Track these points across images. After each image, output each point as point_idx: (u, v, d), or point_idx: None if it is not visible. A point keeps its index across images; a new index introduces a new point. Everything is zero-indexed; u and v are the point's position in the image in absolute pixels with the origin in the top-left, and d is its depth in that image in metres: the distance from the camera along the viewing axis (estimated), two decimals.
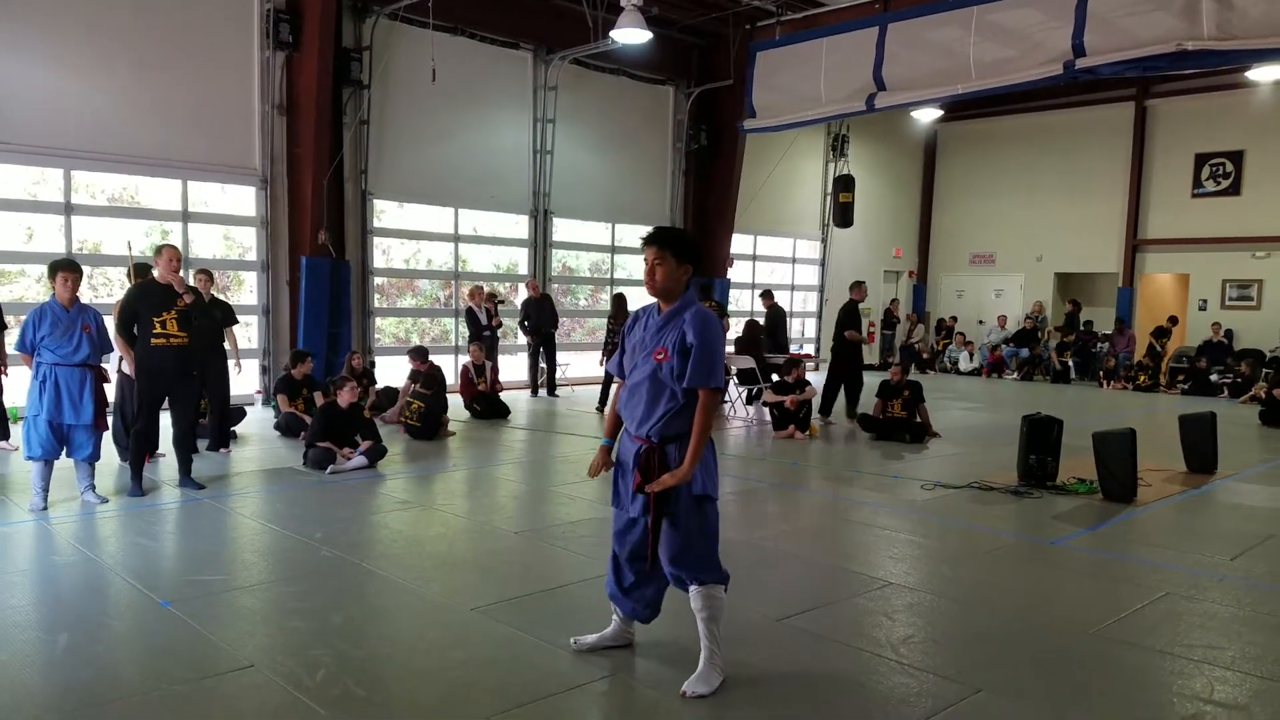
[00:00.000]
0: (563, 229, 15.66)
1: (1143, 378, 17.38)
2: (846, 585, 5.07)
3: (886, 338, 21.43)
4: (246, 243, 12.45)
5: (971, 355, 20.13)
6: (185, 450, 7.15)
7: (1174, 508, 7.35)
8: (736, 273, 18.05)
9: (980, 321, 21.29)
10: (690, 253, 3.67)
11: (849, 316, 11.81)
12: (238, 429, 9.50)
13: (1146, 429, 11.05)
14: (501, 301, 13.58)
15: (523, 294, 13.79)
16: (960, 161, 21.89)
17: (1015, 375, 19.28)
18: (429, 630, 4.27)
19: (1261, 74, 15.29)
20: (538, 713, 3.41)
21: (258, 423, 10.18)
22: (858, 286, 12.14)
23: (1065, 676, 3.89)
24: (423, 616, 4.47)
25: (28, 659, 3.83)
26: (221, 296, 10.15)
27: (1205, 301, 18.66)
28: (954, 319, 21.52)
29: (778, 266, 19.55)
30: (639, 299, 16.08)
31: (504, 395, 11.96)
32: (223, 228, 12.35)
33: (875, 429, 10.41)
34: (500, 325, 13.28)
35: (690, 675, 3.61)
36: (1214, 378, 16.61)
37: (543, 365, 13.94)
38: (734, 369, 12.72)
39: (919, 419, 10.35)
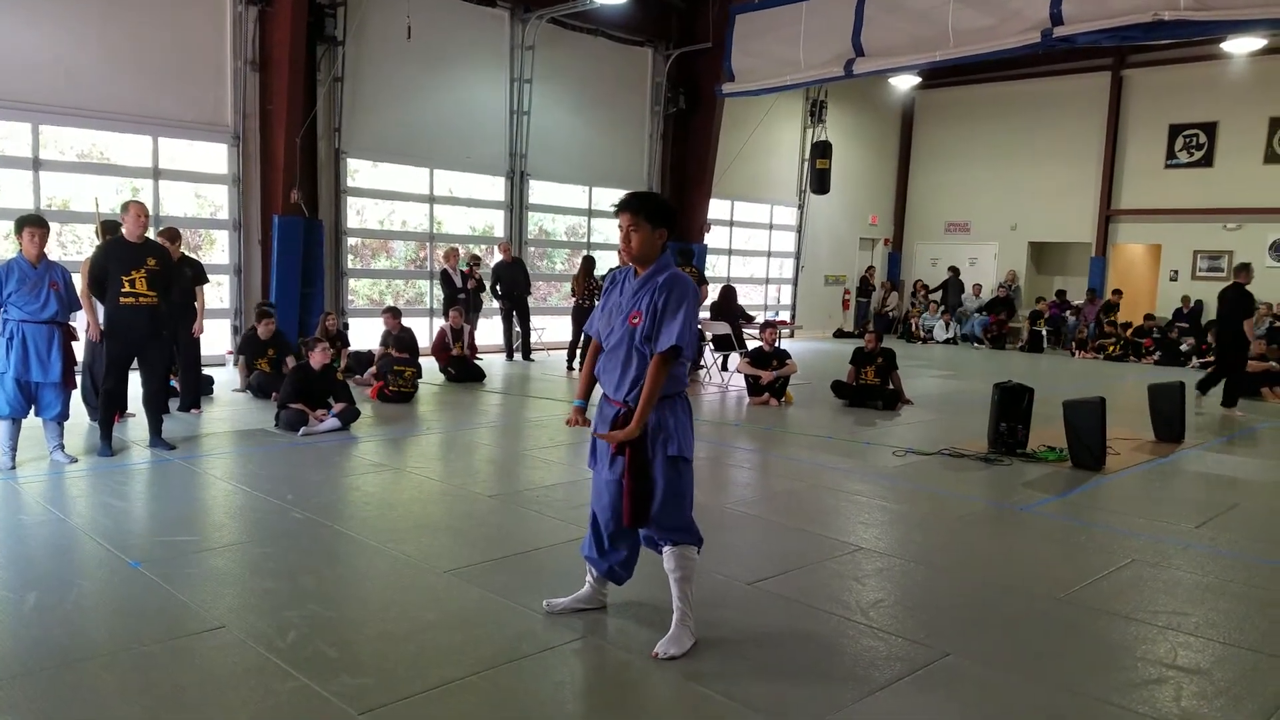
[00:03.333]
0: (539, 191, 15.53)
1: (1113, 347, 17.57)
2: (817, 550, 5.11)
3: (862, 305, 21.54)
4: (218, 201, 12.27)
5: (947, 324, 20.25)
6: (156, 410, 7.08)
7: (1141, 476, 7.46)
8: (714, 238, 18.00)
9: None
10: (665, 217, 3.65)
11: (1243, 300, 10.84)
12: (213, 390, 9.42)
13: (1116, 398, 11.21)
14: (477, 262, 13.48)
15: (498, 257, 13.69)
16: (937, 129, 21.88)
17: (985, 344, 19.44)
18: (401, 592, 4.28)
19: (1235, 45, 15.38)
20: (510, 674, 3.43)
21: (229, 384, 10.09)
22: (1244, 270, 10.95)
23: (1032, 641, 3.96)
24: (395, 579, 4.47)
25: None
26: (192, 255, 10.02)
27: (1176, 272, 18.84)
28: (926, 286, 21.65)
29: (755, 232, 19.52)
30: (613, 262, 16.03)
31: (482, 359, 11.91)
32: (194, 185, 12.15)
33: (848, 396, 10.47)
34: (482, 288, 13.21)
35: (662, 637, 3.64)
36: (1184, 348, 16.81)
37: (517, 329, 13.89)
38: (709, 335, 12.74)
39: (892, 386, 10.42)
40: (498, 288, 13.45)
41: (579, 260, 13.93)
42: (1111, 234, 19.66)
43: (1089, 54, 18.20)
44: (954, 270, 21.30)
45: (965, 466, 7.46)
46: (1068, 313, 19.31)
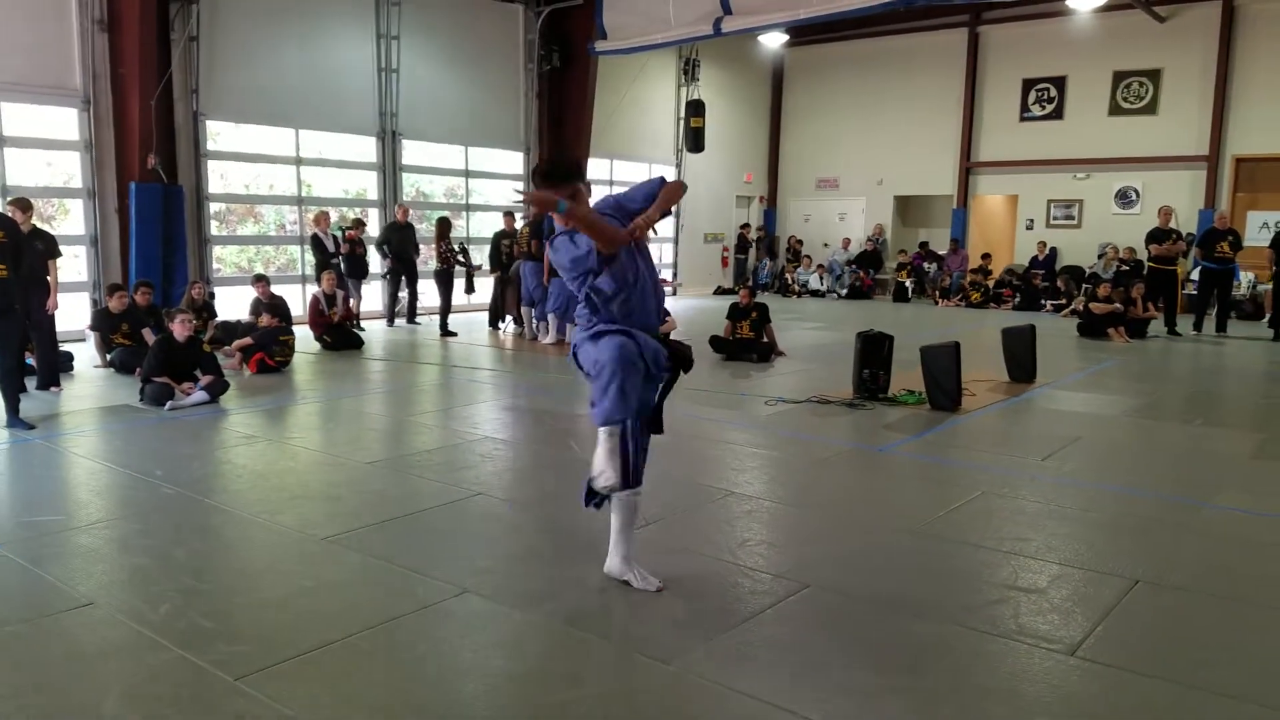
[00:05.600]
0: (414, 152, 15.27)
1: (975, 295, 18.41)
2: (692, 496, 5.32)
3: (740, 262, 21.94)
4: (70, 169, 11.69)
5: (821, 278, 20.84)
6: (11, 389, 6.82)
7: (994, 415, 7.93)
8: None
9: (825, 245, 21.98)
10: (577, 173, 3.78)
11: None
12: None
13: (975, 343, 11.82)
14: (360, 226, 13.23)
15: (374, 221, 13.48)
16: (806, 86, 22.31)
17: (840, 294, 20.16)
18: (278, 561, 4.29)
19: (1081, 2, 16.15)
20: (389, 632, 3.50)
21: (90, 360, 9.72)
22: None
23: (885, 570, 4.24)
24: (271, 548, 4.47)
25: None
26: (45, 226, 9.57)
27: (1032, 221, 19.75)
28: (800, 241, 22.20)
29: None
30: (493, 223, 15.91)
31: (364, 328, 11.75)
32: (43, 153, 11.53)
33: (725, 350, 10.74)
34: (365, 251, 13.00)
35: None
36: (1042, 303, 17.71)
37: (403, 294, 13.74)
38: None
39: (766, 339, 10.73)
40: (385, 248, 13.24)
41: (461, 222, 13.82)
42: (972, 186, 20.48)
43: (947, 10, 18.84)
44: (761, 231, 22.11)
45: (831, 412, 7.80)
46: (928, 264, 20.10)
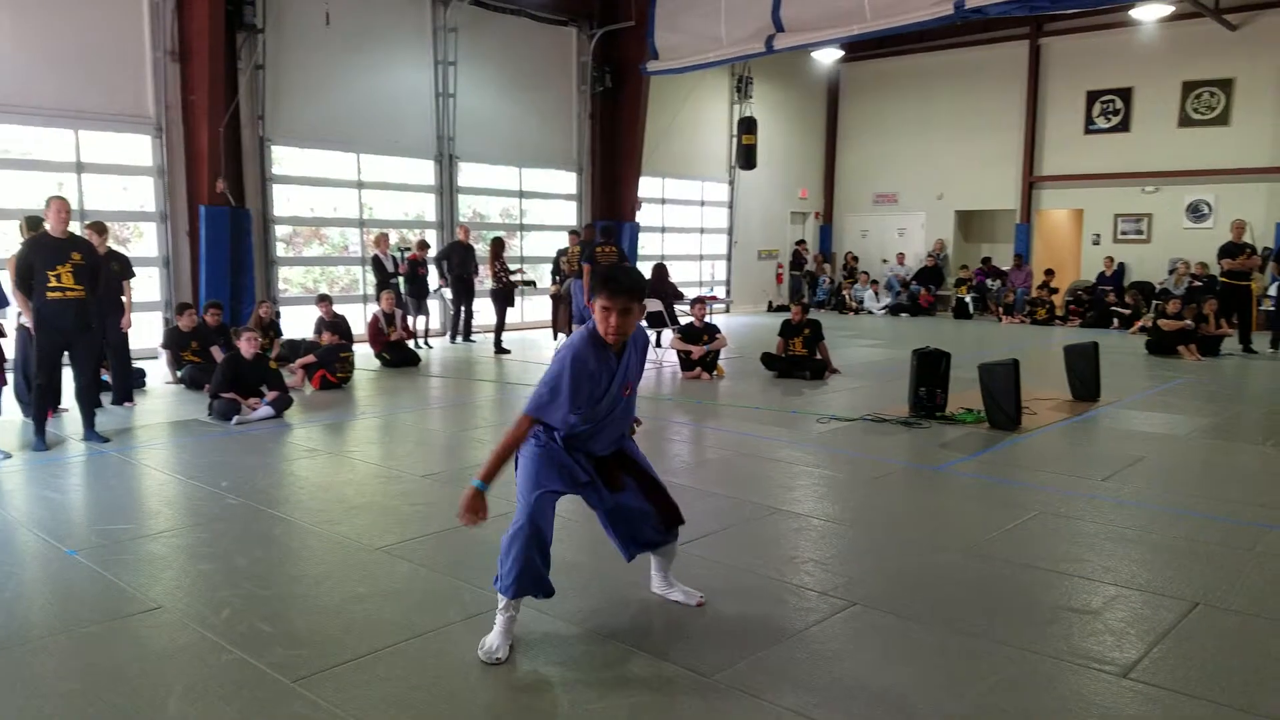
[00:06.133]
0: (470, 174, 15.55)
1: (1040, 311, 18.11)
2: (738, 513, 5.34)
3: (795, 279, 21.88)
4: (144, 193, 12.13)
5: (877, 294, 20.69)
6: (88, 404, 7.10)
7: (1055, 434, 7.80)
8: (646, 216, 18.16)
9: (884, 261, 21.83)
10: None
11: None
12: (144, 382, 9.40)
13: (1038, 361, 11.67)
14: (425, 247, 13.52)
15: (433, 242, 13.77)
16: (863, 102, 22.23)
17: (883, 313, 19.95)
18: (334, 570, 4.42)
19: (1144, 12, 15.90)
20: (438, 639, 3.59)
21: (163, 377, 10.05)
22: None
23: (935, 590, 4.21)
24: (328, 557, 4.60)
25: None
26: (119, 249, 9.95)
27: (1098, 236, 19.39)
28: (855, 258, 22.06)
29: (687, 209, 19.71)
30: (550, 242, 16.13)
31: (432, 345, 11.99)
32: (119, 178, 11.99)
33: (777, 367, 10.73)
34: (426, 273, 13.30)
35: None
36: (1114, 321, 17.34)
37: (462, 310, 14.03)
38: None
39: (819, 356, 10.70)
40: (444, 265, 13.52)
41: (515, 242, 14.05)
42: (1035, 200, 20.19)
43: (1007, 24, 18.65)
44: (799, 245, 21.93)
45: (885, 431, 7.75)
46: (989, 280, 19.83)
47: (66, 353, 6.96)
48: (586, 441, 3.58)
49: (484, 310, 14.39)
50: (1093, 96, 19.10)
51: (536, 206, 16.94)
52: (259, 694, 3.16)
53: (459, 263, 13.47)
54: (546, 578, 3.51)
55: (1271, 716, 3.07)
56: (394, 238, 13.83)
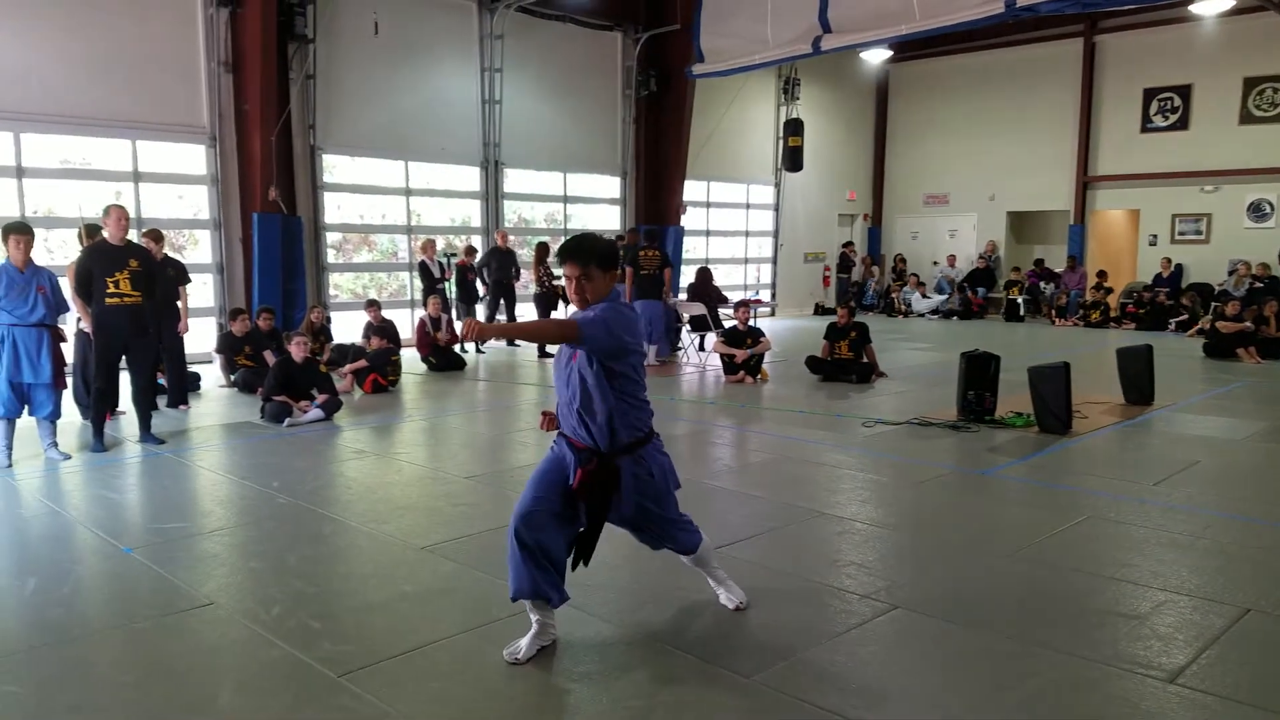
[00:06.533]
0: (515, 180, 15.68)
1: (1094, 314, 17.79)
2: (781, 517, 5.33)
3: (843, 281, 21.73)
4: (198, 201, 12.41)
5: (925, 296, 20.47)
6: (145, 407, 7.28)
7: (1107, 438, 7.67)
8: (691, 220, 18.16)
9: (934, 263, 21.60)
10: (614, 260, 3.49)
11: None
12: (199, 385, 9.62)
13: (1091, 364, 11.47)
14: (472, 253, 13.67)
15: (480, 247, 13.91)
16: (912, 102, 22.01)
17: (937, 316, 19.75)
18: (380, 568, 4.49)
19: (1204, 8, 15.53)
20: (480, 636, 3.65)
21: (217, 380, 10.27)
22: None
23: (979, 594, 4.17)
24: (375, 556, 4.68)
25: None
26: (175, 255, 10.19)
27: (1155, 237, 18.99)
28: (904, 260, 21.86)
29: (732, 212, 19.67)
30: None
31: (483, 350, 12.13)
32: (174, 187, 12.29)
33: (822, 370, 10.67)
34: (474, 278, 13.45)
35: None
36: (1171, 324, 16.98)
37: (500, 317, 14.10)
38: (686, 316, 12.96)
39: (866, 359, 10.62)
40: (485, 272, 13.65)
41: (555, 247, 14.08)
42: (1090, 201, 19.83)
43: (1061, 21, 18.33)
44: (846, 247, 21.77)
45: (932, 435, 7.68)
46: (1042, 282, 19.53)
47: (124, 357, 7.15)
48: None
49: (528, 314, 14.48)
50: (1150, 94, 18.71)
51: (581, 211, 17.03)
52: (306, 687, 3.24)
53: (498, 267, 13.60)
54: (543, 585, 3.43)
55: None
56: (440, 244, 13.99)
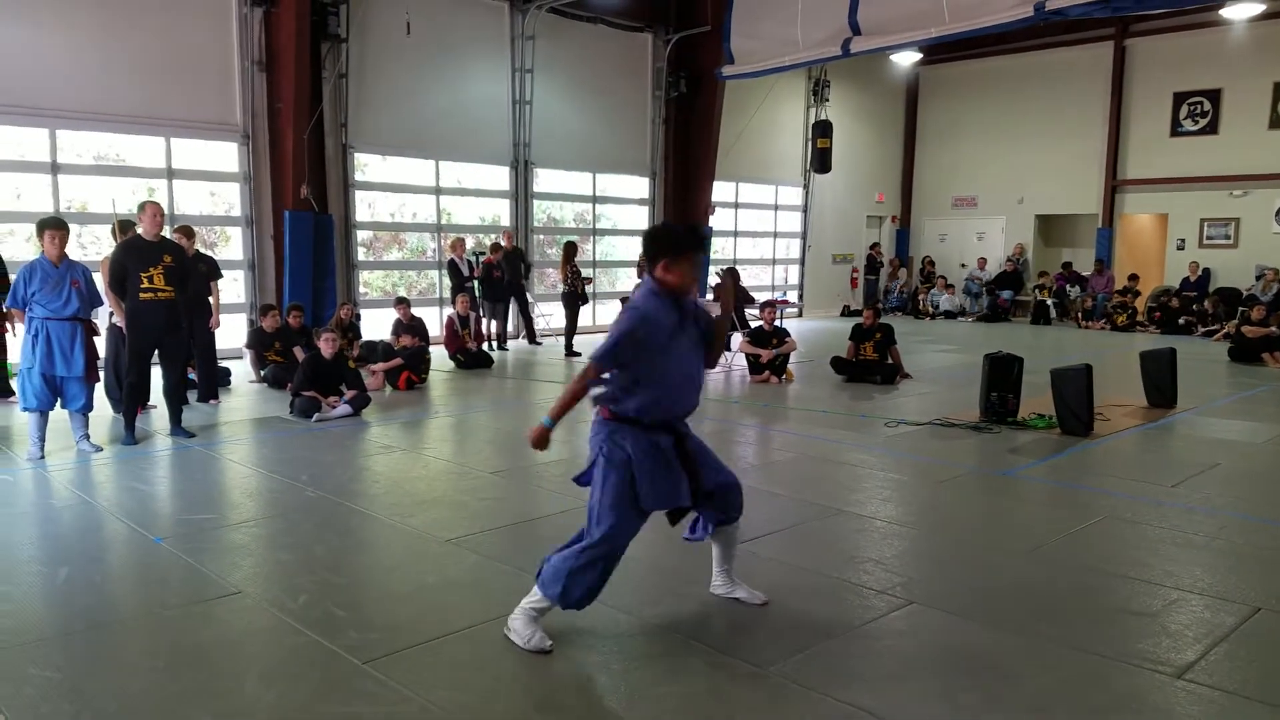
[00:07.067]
0: (545, 179, 15.79)
1: (1121, 318, 17.66)
2: (801, 514, 5.39)
3: (870, 283, 21.69)
4: (231, 198, 12.61)
5: (953, 298, 20.40)
6: (176, 401, 7.42)
7: (1128, 440, 7.66)
8: (719, 220, 18.20)
9: (962, 265, 21.51)
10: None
11: None
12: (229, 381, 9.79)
13: (1116, 367, 11.43)
14: (497, 250, 13.78)
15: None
16: (942, 104, 21.94)
17: (971, 318, 19.67)
18: (405, 560, 4.59)
19: (1235, 11, 15.39)
20: (502, 626, 3.70)
21: (247, 376, 10.44)
22: None
23: (994, 590, 4.21)
24: (401, 548, 4.78)
25: (32, 589, 4.14)
26: (207, 251, 10.36)
27: (1183, 241, 18.84)
28: (932, 262, 21.79)
29: (761, 213, 19.69)
30: (624, 246, 16.32)
31: (514, 347, 12.25)
32: (207, 184, 12.49)
33: (847, 371, 10.69)
34: (501, 276, 13.56)
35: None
36: (1180, 321, 16.88)
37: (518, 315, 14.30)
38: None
39: (891, 361, 10.63)
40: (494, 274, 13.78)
41: (588, 247, 14.22)
42: (1118, 205, 19.69)
43: (1091, 24, 18.20)
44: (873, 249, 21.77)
45: (954, 435, 7.70)
46: (1069, 286, 19.41)
47: (156, 351, 7.29)
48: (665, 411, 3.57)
49: (555, 313, 14.63)
50: (1180, 98, 18.56)
51: (610, 211, 17.12)
52: (331, 674, 3.33)
53: (507, 268, 13.68)
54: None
55: None
56: (470, 243, 14.12)
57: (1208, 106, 18.26)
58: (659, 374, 3.48)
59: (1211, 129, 18.26)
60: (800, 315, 19.66)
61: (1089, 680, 3.31)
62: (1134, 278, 18.38)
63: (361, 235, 13.90)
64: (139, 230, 7.21)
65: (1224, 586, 4.25)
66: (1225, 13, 15.61)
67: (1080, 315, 18.51)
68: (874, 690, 3.22)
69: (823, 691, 3.20)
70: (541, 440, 3.50)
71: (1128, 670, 3.38)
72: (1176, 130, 18.69)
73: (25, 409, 6.69)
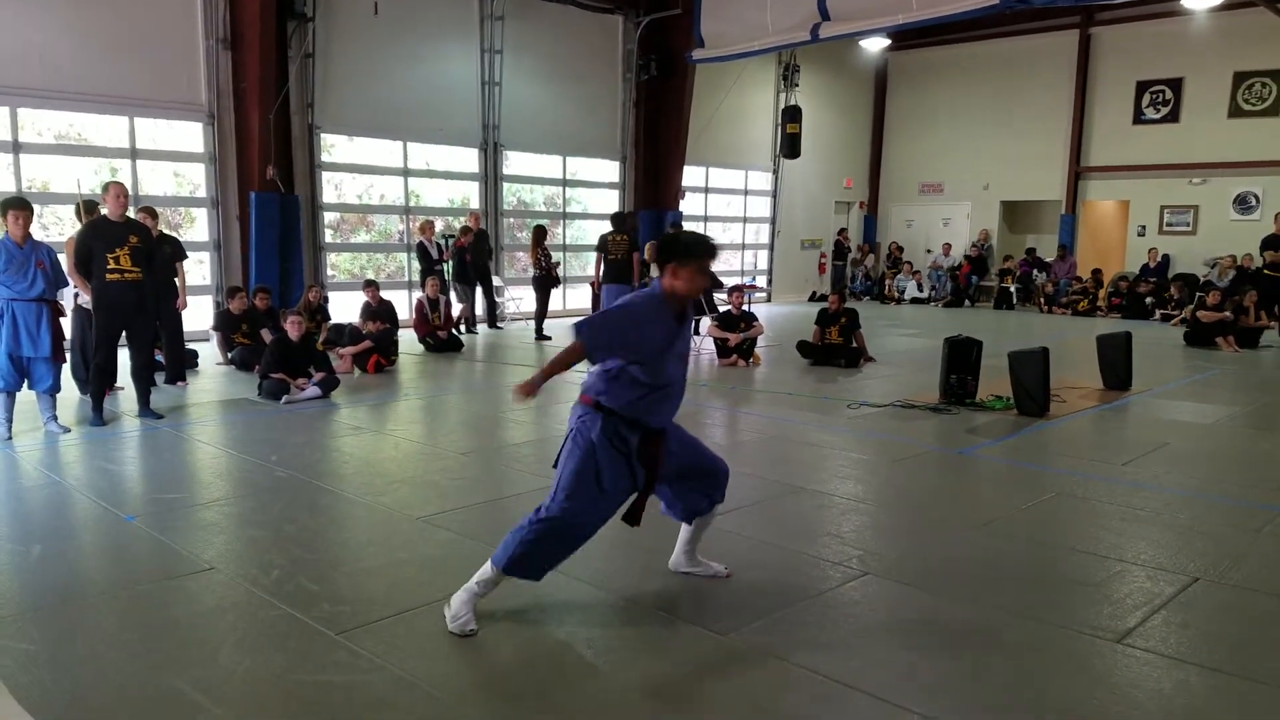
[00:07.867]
0: (515, 162, 15.80)
1: (1082, 303, 17.99)
2: (764, 492, 5.52)
3: (838, 268, 21.90)
4: (196, 179, 12.53)
5: (920, 285, 20.65)
6: (144, 382, 7.43)
7: (1082, 421, 7.88)
8: (689, 205, 18.29)
9: (928, 251, 21.76)
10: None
11: None
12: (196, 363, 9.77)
13: (1075, 351, 11.67)
14: (467, 233, 13.78)
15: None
16: (910, 91, 22.12)
17: (937, 304, 19.96)
18: (377, 536, 4.67)
19: (1197, 1, 15.67)
20: None
21: (212, 357, 10.42)
22: None
23: (945, 562, 4.37)
24: (371, 525, 4.86)
25: (4, 566, 4.17)
26: (171, 232, 10.31)
27: (1144, 227, 19.19)
28: (900, 248, 22.02)
29: (730, 198, 19.81)
30: (593, 230, 16.37)
31: (490, 330, 12.28)
32: (172, 164, 12.40)
33: (812, 355, 10.85)
34: (471, 260, 13.58)
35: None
36: (1149, 300, 17.24)
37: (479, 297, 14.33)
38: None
39: (855, 345, 10.80)
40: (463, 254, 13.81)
41: (558, 230, 14.25)
42: (1081, 191, 20.00)
43: (1057, 13, 18.46)
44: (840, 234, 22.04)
45: (914, 416, 7.87)
46: (1034, 271, 19.72)
47: (125, 332, 7.29)
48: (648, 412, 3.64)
49: (525, 297, 14.67)
50: (1142, 87, 18.86)
51: (581, 194, 17.16)
52: (304, 645, 3.41)
53: (474, 250, 13.70)
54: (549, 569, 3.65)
55: (1258, 680, 3.22)
56: (439, 225, 14.12)
57: (1169, 95, 18.57)
58: (645, 378, 3.57)
59: (1173, 117, 18.57)
60: (769, 300, 19.82)
61: (1034, 646, 3.47)
62: (1097, 271, 18.70)
63: (329, 217, 13.86)
64: (103, 211, 7.19)
65: (1165, 559, 4.43)
66: (1187, 2, 15.88)
67: (1043, 300, 18.82)
68: (829, 655, 3.36)
69: (781, 656, 3.34)
70: (530, 389, 3.50)
71: (1071, 636, 3.54)
72: (1139, 118, 18.99)
73: None
